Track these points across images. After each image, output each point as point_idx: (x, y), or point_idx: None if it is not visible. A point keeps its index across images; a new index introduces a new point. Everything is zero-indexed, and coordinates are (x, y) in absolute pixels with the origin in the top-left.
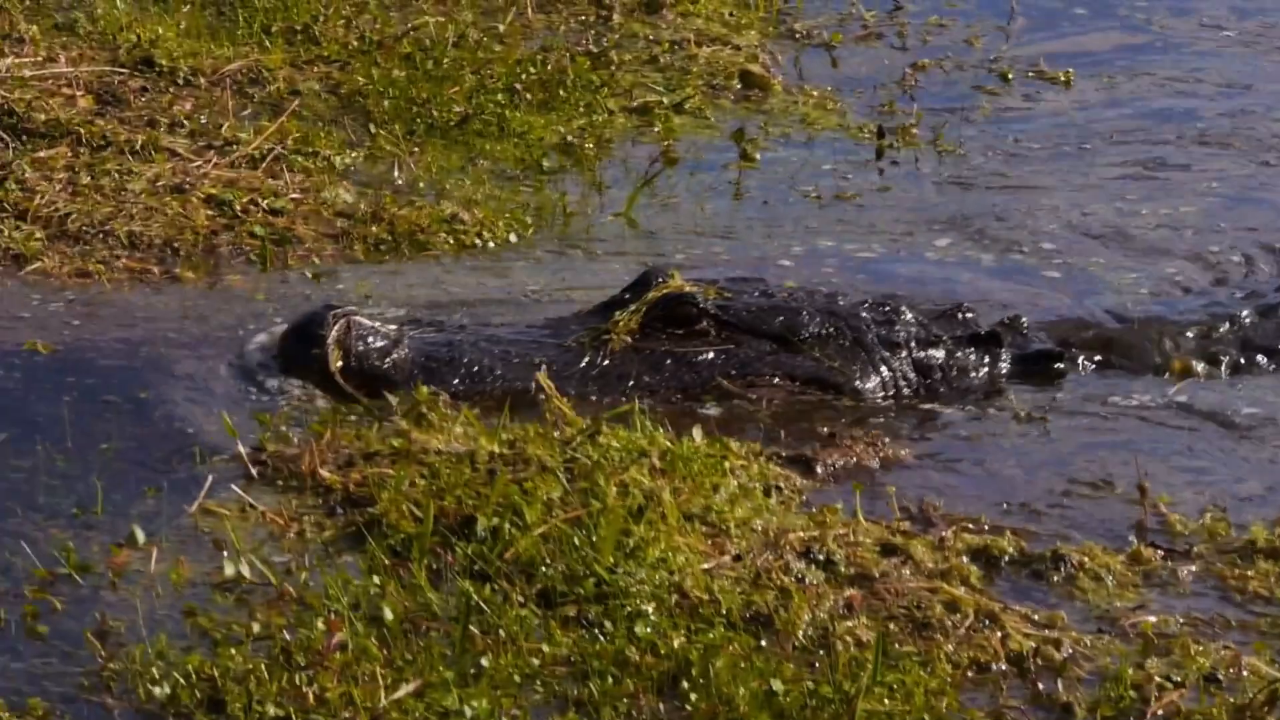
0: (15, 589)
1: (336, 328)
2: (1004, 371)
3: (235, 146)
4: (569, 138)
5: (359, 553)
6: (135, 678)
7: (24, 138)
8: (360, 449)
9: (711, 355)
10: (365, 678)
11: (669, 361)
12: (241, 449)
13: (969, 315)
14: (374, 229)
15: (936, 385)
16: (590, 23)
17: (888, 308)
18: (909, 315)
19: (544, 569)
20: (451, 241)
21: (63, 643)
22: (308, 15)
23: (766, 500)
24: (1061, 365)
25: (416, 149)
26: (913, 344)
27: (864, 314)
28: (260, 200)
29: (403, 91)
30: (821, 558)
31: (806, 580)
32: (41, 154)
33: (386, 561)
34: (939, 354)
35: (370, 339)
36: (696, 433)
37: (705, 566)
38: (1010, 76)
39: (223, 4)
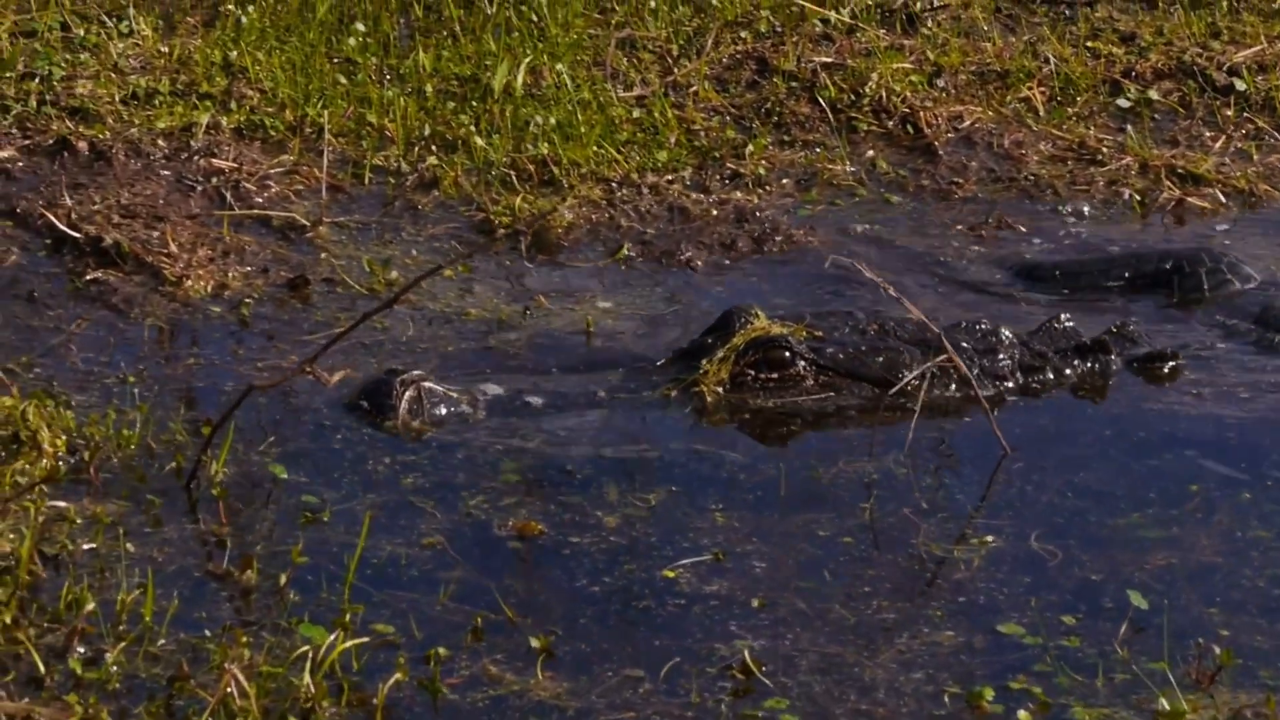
0: None
1: (407, 395)
2: (1116, 378)
3: None
4: None
5: None
6: None
7: None
8: None
9: None
10: None
11: None
12: None
13: (1069, 325)
14: None
15: None
16: None
17: (984, 330)
18: (1009, 336)
19: None
20: None
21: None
22: None
23: None
24: (1176, 364)
25: None
26: (1018, 373)
27: (965, 344)
28: None
29: None
30: None
31: None
32: None
33: None
34: (1048, 375)
35: (443, 407)
36: None
37: None
38: None
39: None
